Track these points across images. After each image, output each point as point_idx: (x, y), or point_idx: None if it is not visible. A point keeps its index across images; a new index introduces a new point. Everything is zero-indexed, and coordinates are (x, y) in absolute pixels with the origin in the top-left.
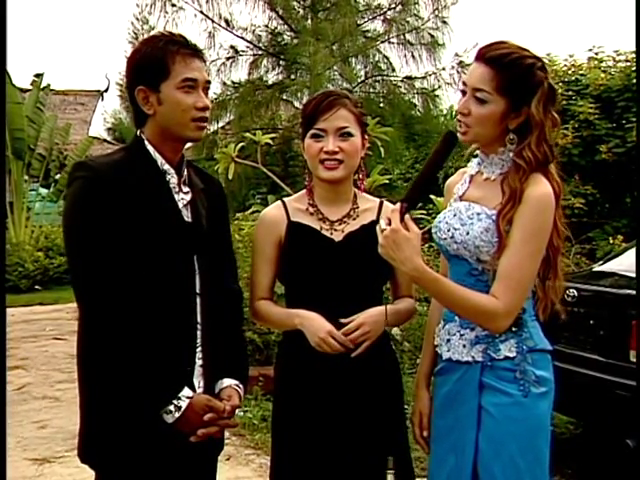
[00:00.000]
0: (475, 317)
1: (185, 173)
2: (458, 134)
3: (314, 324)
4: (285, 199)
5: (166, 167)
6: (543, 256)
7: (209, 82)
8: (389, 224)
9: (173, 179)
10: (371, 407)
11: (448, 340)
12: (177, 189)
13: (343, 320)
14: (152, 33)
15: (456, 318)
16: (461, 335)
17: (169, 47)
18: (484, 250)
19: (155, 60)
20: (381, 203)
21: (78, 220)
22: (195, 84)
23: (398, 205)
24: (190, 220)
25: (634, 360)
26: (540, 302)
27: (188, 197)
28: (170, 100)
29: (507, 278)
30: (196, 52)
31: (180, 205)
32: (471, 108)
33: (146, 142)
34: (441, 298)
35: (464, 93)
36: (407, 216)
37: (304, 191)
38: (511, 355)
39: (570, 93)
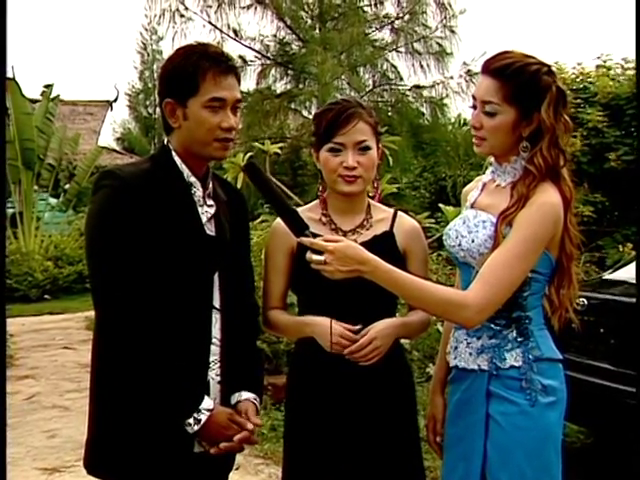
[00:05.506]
0: (442, 310)
1: (210, 186)
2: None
3: (325, 330)
4: (298, 209)
5: (192, 180)
6: (554, 263)
7: (239, 100)
8: (317, 253)
9: (198, 192)
10: (384, 416)
11: (456, 347)
12: (201, 202)
13: (355, 327)
14: (161, 43)
15: None
16: (468, 343)
17: (202, 63)
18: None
19: (185, 75)
20: (395, 213)
21: (101, 228)
22: (223, 104)
23: (306, 239)
24: (213, 234)
25: None
26: (556, 311)
27: (212, 210)
28: (195, 117)
29: (488, 274)
30: (230, 68)
31: (204, 219)
32: (482, 121)
33: (173, 153)
34: (406, 291)
35: (475, 107)
36: (317, 239)
37: (317, 201)
38: (517, 364)
39: (578, 101)
